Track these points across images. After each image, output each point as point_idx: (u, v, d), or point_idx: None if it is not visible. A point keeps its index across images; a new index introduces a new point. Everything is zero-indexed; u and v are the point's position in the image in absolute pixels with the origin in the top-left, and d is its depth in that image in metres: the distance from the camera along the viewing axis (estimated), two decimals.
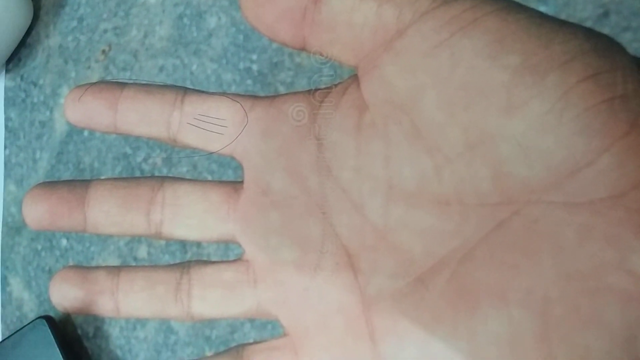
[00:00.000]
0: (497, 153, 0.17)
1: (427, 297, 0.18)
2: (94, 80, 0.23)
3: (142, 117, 0.22)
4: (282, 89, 0.26)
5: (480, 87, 0.17)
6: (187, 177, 0.23)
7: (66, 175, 0.34)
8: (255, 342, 0.22)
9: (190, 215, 0.22)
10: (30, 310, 0.36)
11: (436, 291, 0.18)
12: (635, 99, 0.15)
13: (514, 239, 0.17)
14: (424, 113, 0.18)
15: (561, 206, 0.16)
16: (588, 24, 0.21)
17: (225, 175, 0.27)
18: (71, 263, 0.34)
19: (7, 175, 0.37)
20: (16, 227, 0.36)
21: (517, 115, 0.16)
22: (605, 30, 0.21)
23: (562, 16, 0.21)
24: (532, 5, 0.20)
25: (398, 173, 0.19)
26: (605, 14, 0.20)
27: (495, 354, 0.17)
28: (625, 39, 0.24)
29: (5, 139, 0.37)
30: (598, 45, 0.16)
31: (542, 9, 0.21)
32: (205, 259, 0.28)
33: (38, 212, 0.22)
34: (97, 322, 0.32)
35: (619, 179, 0.15)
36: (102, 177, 0.23)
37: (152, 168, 0.29)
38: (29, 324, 0.32)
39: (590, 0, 0.20)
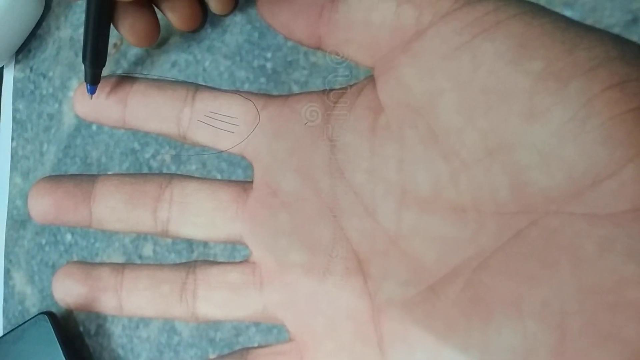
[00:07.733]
0: (516, 160, 0.16)
1: (439, 306, 0.18)
2: (105, 74, 0.23)
3: (151, 112, 0.22)
4: (295, 88, 0.26)
5: (501, 92, 0.16)
6: (196, 175, 0.23)
7: (73, 169, 0.33)
8: (260, 346, 0.22)
9: (198, 213, 0.22)
10: (33, 305, 0.35)
11: (449, 300, 0.18)
12: None
13: (532, 250, 0.16)
14: (442, 117, 0.17)
15: (581, 217, 0.15)
16: (615, 30, 0.21)
17: (234, 175, 0.27)
18: (75, 259, 0.33)
19: (13, 168, 0.36)
20: (21, 220, 0.36)
21: (539, 122, 0.16)
22: (634, 37, 0.20)
23: (589, 22, 0.20)
24: (558, 9, 0.19)
25: (412, 177, 0.18)
26: (634, 20, 0.20)
27: None
28: None
29: (13, 130, 0.37)
30: (625, 52, 0.15)
31: (568, 13, 0.20)
32: (211, 259, 0.28)
33: (43, 206, 0.22)
34: (99, 319, 0.32)
35: None
36: (109, 173, 0.23)
37: (161, 165, 0.29)
38: (30, 319, 0.32)
39: (618, 5, 0.20)
